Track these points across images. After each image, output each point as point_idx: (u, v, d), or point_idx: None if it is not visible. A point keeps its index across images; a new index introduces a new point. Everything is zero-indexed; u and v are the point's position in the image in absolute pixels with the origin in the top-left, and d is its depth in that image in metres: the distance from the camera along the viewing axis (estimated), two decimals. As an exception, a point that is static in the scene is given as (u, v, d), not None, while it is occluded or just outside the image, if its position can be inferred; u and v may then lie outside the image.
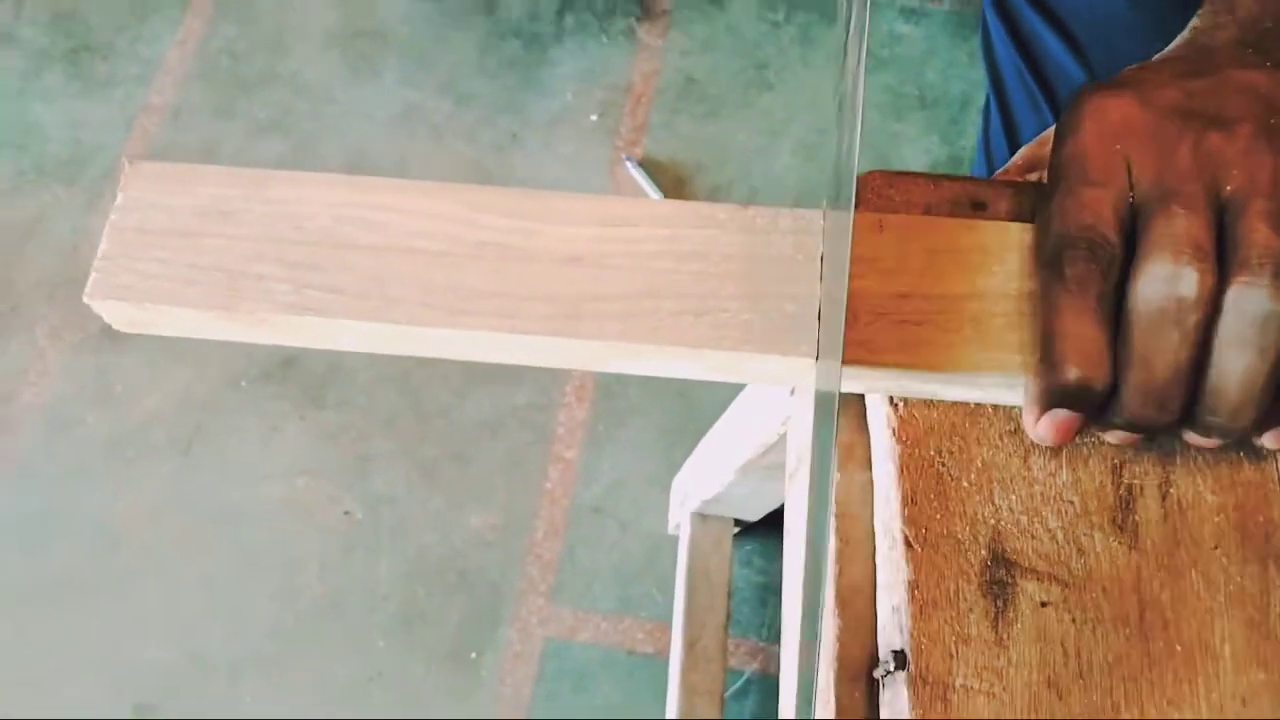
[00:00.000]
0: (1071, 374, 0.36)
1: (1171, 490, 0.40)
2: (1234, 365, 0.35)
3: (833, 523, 0.41)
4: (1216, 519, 0.39)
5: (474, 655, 1.15)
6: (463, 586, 1.18)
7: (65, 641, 1.16)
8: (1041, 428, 0.38)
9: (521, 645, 1.16)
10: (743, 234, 0.41)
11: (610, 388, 1.28)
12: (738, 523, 1.07)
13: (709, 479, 0.85)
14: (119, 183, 0.42)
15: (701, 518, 1.01)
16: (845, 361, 0.39)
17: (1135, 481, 0.40)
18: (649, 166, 1.39)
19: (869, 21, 0.37)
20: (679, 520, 1.07)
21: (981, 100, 1.46)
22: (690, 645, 0.95)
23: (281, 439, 1.25)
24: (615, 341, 0.39)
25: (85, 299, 0.40)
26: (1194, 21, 0.45)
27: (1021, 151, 0.50)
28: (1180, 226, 0.35)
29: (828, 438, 0.35)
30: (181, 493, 1.23)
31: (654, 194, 1.36)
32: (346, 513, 1.21)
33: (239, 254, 0.40)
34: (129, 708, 1.13)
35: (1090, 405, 0.37)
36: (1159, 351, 0.35)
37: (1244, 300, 0.35)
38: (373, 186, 0.42)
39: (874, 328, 0.39)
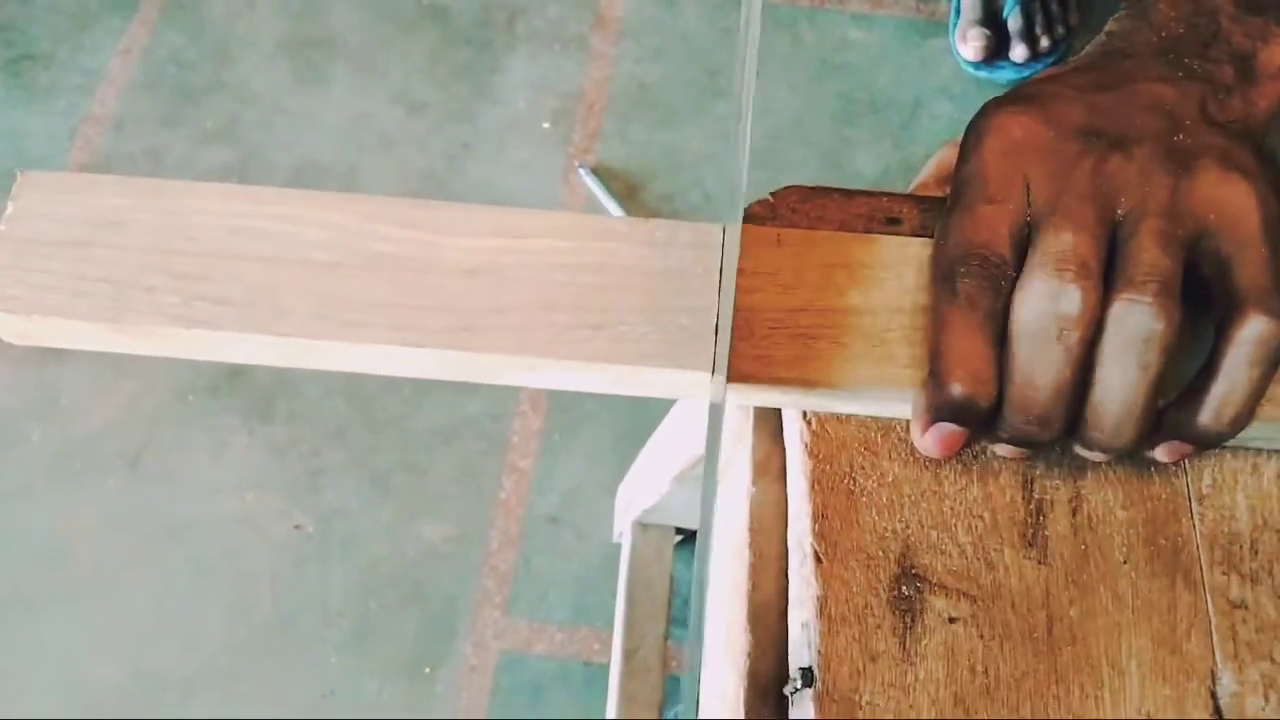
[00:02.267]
0: (955, 390, 0.36)
1: (1082, 505, 0.40)
2: (1114, 382, 0.36)
3: (746, 537, 0.41)
4: (1126, 534, 0.39)
5: (428, 670, 1.15)
6: (416, 599, 1.18)
7: (12, 660, 1.15)
8: (928, 440, 0.38)
9: (477, 659, 1.15)
10: (642, 247, 0.40)
11: (564, 397, 1.27)
12: (680, 531, 1.06)
13: (647, 489, 0.85)
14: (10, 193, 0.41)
15: (643, 527, 1.01)
16: (740, 376, 0.39)
17: (1046, 496, 0.40)
18: (602, 174, 1.39)
19: (760, 34, 0.37)
20: (622, 528, 1.07)
21: (932, 105, 1.47)
22: (630, 655, 0.94)
23: (230, 453, 1.24)
24: (511, 355, 0.38)
25: None
26: (1109, 24, 0.45)
27: (934, 158, 0.50)
28: (1067, 244, 0.35)
29: (714, 450, 0.35)
30: (129, 508, 1.21)
31: (607, 201, 1.36)
32: (297, 526, 1.20)
33: (129, 265, 0.40)
34: (80, 727, 1.12)
35: (975, 420, 0.37)
36: (1040, 368, 0.35)
37: (1126, 317, 0.35)
38: (267, 197, 0.41)
39: (770, 342, 0.39)
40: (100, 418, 1.25)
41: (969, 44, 1.45)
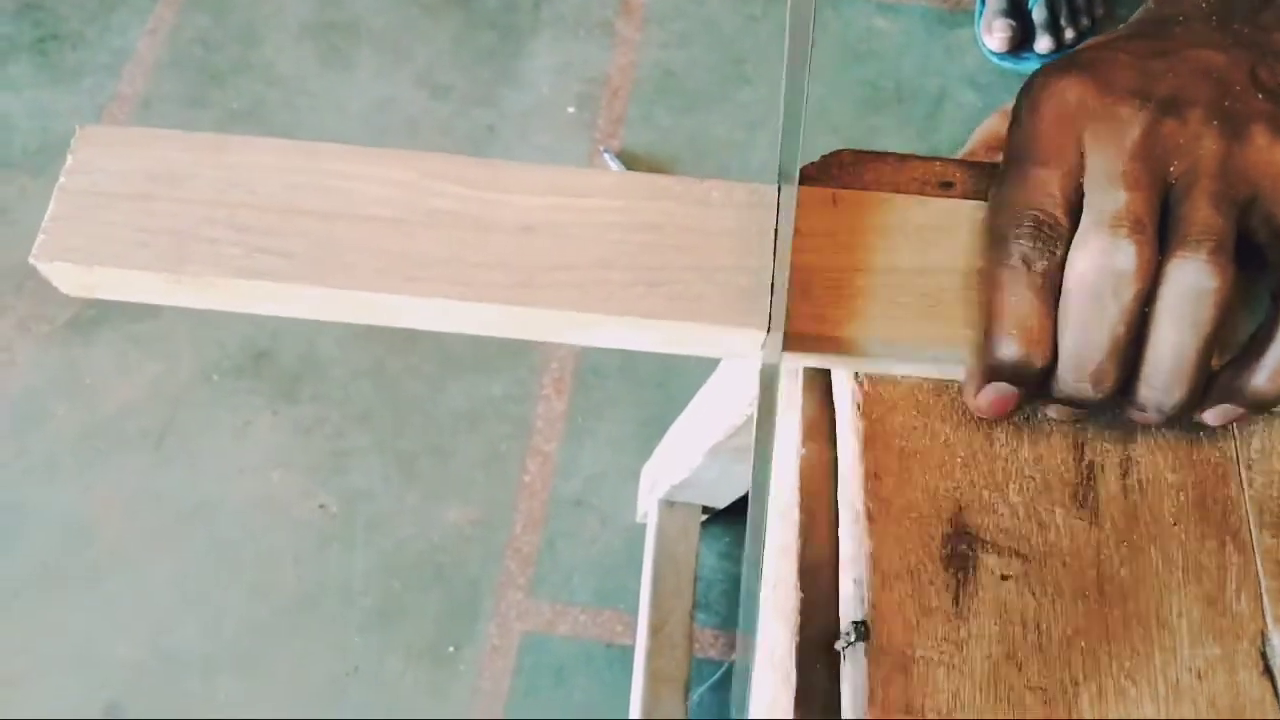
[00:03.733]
0: (1009, 350, 0.37)
1: (1132, 468, 0.40)
2: (1168, 340, 0.36)
3: (795, 498, 0.41)
4: (1176, 496, 0.39)
5: (452, 650, 1.15)
6: (440, 581, 1.18)
7: (36, 638, 1.15)
8: (981, 401, 0.38)
9: (500, 639, 1.15)
10: (697, 207, 0.41)
11: (588, 380, 1.27)
12: (705, 510, 1.07)
13: (678, 464, 0.85)
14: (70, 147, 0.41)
15: (669, 504, 1.01)
16: (797, 334, 0.39)
17: (1096, 459, 0.40)
18: (626, 159, 1.39)
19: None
20: (647, 508, 1.07)
21: (957, 95, 1.46)
22: (655, 631, 0.94)
23: (255, 433, 1.24)
24: (568, 311, 0.39)
25: (31, 260, 0.39)
26: None
27: (983, 127, 0.50)
28: (1121, 202, 0.35)
29: (769, 409, 0.35)
30: (154, 487, 1.22)
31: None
32: (321, 506, 1.20)
33: (190, 217, 0.40)
34: (101, 705, 1.12)
35: (1029, 381, 0.37)
36: (1095, 325, 0.36)
37: (1180, 274, 0.35)
38: (327, 153, 0.41)
39: (825, 301, 0.39)
40: (125, 397, 1.26)
41: (994, 35, 1.45)
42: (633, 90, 1.45)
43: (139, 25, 1.48)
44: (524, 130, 1.42)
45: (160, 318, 1.30)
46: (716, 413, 0.66)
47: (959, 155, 0.57)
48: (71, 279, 0.40)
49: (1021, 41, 1.45)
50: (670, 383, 1.27)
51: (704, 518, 1.06)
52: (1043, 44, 1.43)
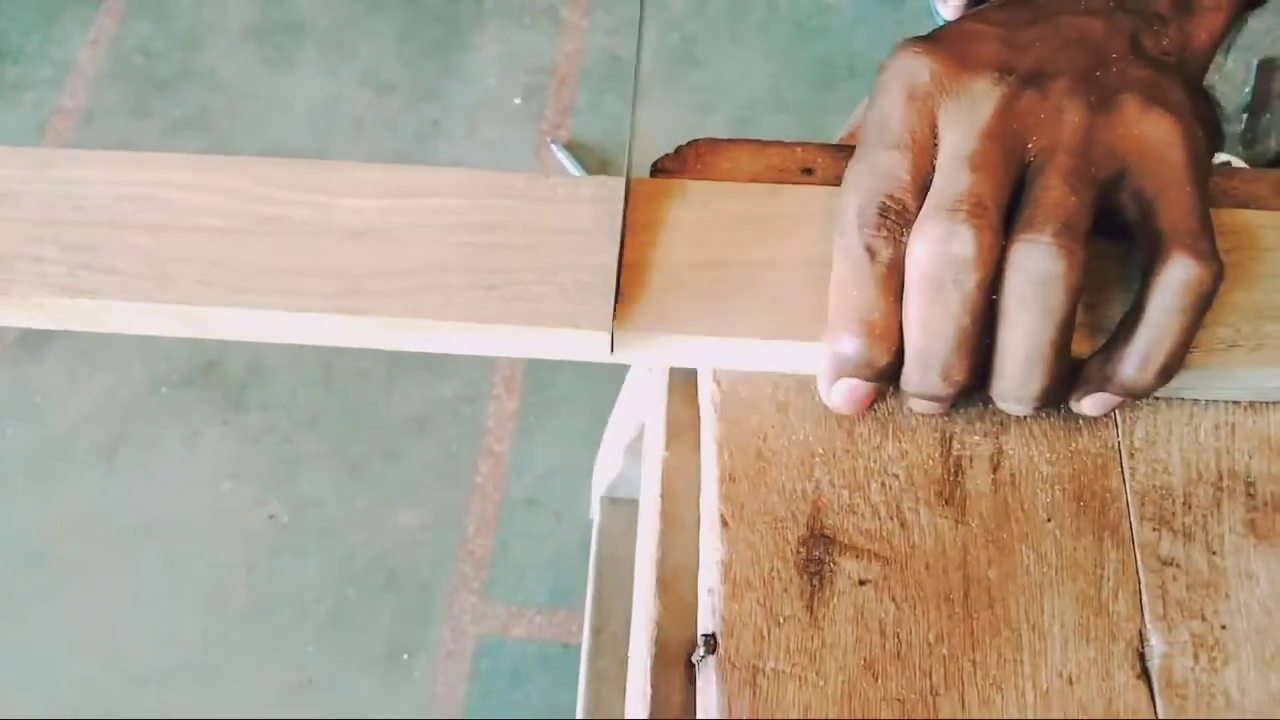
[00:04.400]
0: (852, 346, 0.35)
1: (1004, 461, 0.38)
2: (1017, 329, 0.34)
3: (657, 503, 0.39)
4: (1051, 490, 0.37)
5: (406, 656, 1.14)
6: (393, 587, 1.16)
7: (-9, 659, 1.14)
8: (834, 397, 0.36)
9: (454, 644, 1.14)
10: (542, 203, 0.39)
11: (540, 378, 1.26)
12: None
13: (607, 462, 0.84)
14: None
15: (611, 501, 0.99)
16: (638, 334, 0.37)
17: (965, 453, 0.38)
18: (575, 149, 1.37)
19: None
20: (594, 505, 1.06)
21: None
22: (597, 631, 0.93)
23: (205, 444, 1.23)
24: (400, 318, 0.37)
25: None
26: None
27: (860, 107, 0.48)
28: (963, 184, 0.33)
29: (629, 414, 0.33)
30: (106, 503, 1.20)
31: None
32: (272, 516, 1.19)
33: (15, 236, 0.39)
34: (62, 723, 1.11)
35: (877, 375, 0.35)
36: (937, 317, 0.34)
37: (1023, 259, 0.33)
38: (158, 163, 0.40)
39: (674, 297, 0.38)
40: (75, 413, 1.25)
41: (949, 4, 1.43)
42: (580, 78, 1.43)
43: (80, 35, 1.46)
44: (470, 124, 1.40)
45: (107, 333, 1.28)
46: (626, 411, 0.65)
47: (841, 135, 0.55)
48: None
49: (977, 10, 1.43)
50: (623, 376, 1.25)
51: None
52: (994, 14, 1.41)
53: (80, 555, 1.18)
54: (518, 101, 1.41)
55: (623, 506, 0.98)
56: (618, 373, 1.25)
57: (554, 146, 1.36)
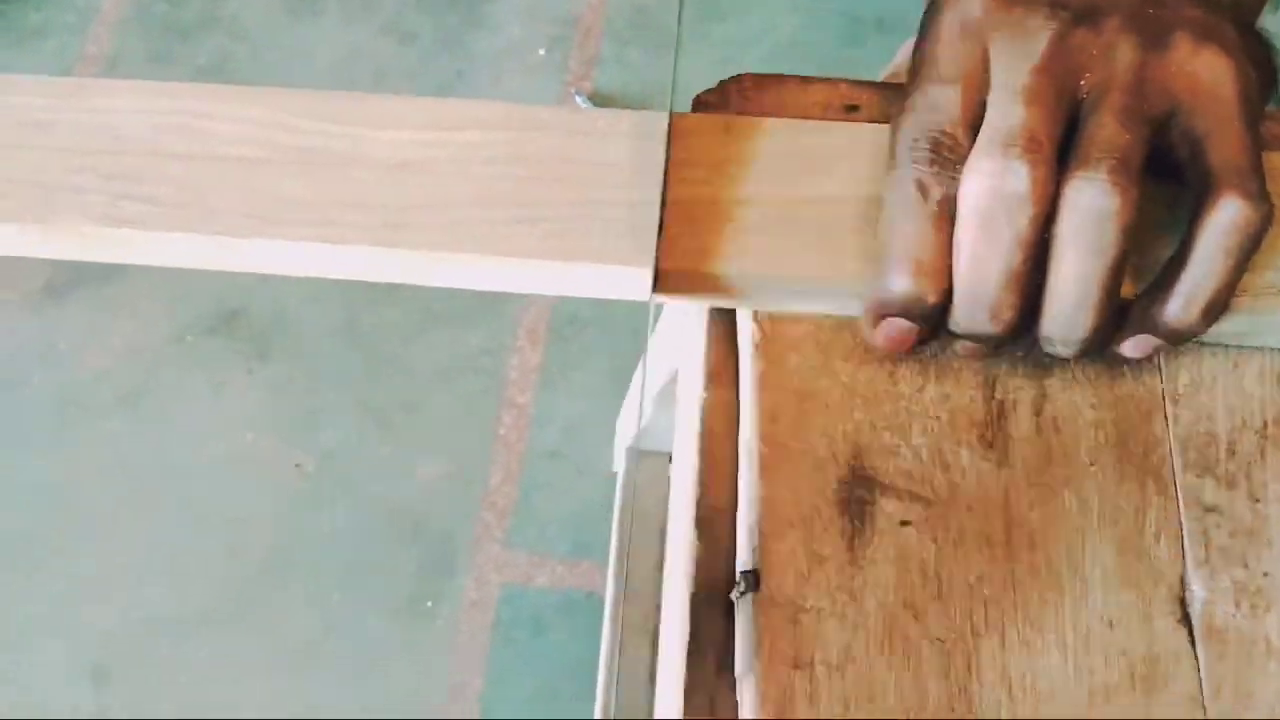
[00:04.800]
0: (901, 284, 0.35)
1: (1047, 405, 0.38)
2: (1069, 267, 0.33)
3: (696, 443, 0.39)
4: (1094, 435, 0.37)
5: (430, 604, 1.14)
6: (417, 536, 1.17)
7: (16, 605, 1.15)
8: (877, 337, 0.36)
9: (477, 593, 1.15)
10: (581, 138, 0.39)
11: (563, 330, 1.26)
12: (675, 459, 1.05)
13: (634, 412, 0.84)
14: None
15: (637, 453, 0.99)
16: (678, 272, 0.37)
17: (1008, 396, 0.38)
18: (599, 100, 1.36)
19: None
20: (619, 457, 1.06)
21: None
22: (621, 580, 0.94)
23: (229, 393, 1.23)
24: (439, 252, 0.37)
25: None
26: None
27: (907, 44, 0.48)
28: (1017, 119, 0.33)
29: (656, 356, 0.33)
30: (129, 451, 1.21)
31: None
32: (297, 466, 1.20)
33: (54, 167, 0.39)
34: (87, 670, 1.12)
35: (924, 316, 0.35)
36: (988, 254, 0.33)
37: (1078, 196, 0.32)
38: (192, 93, 0.40)
39: (714, 235, 0.37)
40: (99, 360, 1.25)
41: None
42: (605, 29, 1.42)
43: (102, -18, 1.45)
44: (494, 74, 1.39)
45: (132, 280, 1.28)
46: (657, 358, 0.64)
47: (884, 74, 0.55)
48: None
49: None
50: (646, 332, 1.25)
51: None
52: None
53: (103, 502, 1.19)
54: (542, 52, 1.40)
55: (648, 458, 0.98)
56: (640, 327, 1.25)
57: (578, 98, 1.36)
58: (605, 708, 0.92)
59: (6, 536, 1.18)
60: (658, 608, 0.95)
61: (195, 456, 1.21)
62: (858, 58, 1.40)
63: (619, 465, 1.06)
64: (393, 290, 1.26)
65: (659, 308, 0.64)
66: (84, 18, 1.43)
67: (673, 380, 0.62)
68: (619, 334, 1.25)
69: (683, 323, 0.47)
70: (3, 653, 1.13)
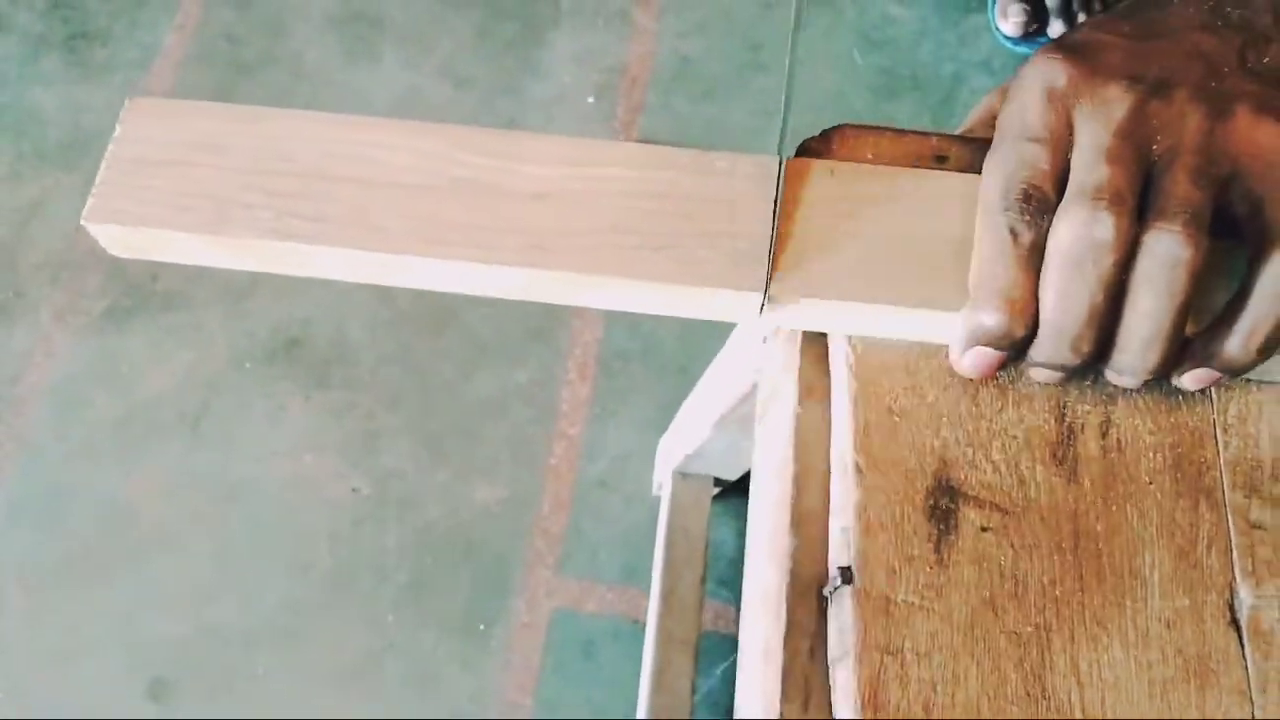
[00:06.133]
0: (994, 319, 0.39)
1: (1111, 429, 0.42)
2: (1144, 307, 0.38)
3: (791, 453, 0.43)
4: (1153, 457, 0.42)
5: (483, 626, 1.18)
6: (470, 559, 1.21)
7: (80, 618, 1.19)
8: (965, 362, 0.41)
9: (529, 616, 1.19)
10: (703, 176, 0.43)
11: (611, 365, 1.30)
12: (718, 483, 1.09)
13: (689, 435, 0.88)
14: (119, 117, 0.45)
15: (682, 475, 1.04)
16: (790, 298, 0.41)
17: (1077, 420, 0.42)
18: (646, 147, 1.41)
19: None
20: (662, 480, 1.10)
21: (972, 80, 1.48)
22: (667, 594, 0.97)
23: (288, 417, 1.28)
24: (578, 273, 0.41)
25: (83, 222, 0.42)
26: None
27: (981, 104, 0.52)
28: (1103, 176, 0.37)
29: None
30: (191, 470, 1.25)
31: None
32: (354, 489, 1.24)
33: (228, 184, 0.43)
34: (145, 681, 1.16)
35: (1012, 346, 0.40)
36: (1074, 293, 0.38)
37: (1156, 245, 0.37)
38: (360, 124, 0.44)
39: (820, 265, 0.42)
40: (160, 384, 1.29)
41: (1009, 20, 1.46)
42: (651, 79, 1.47)
43: (167, 21, 1.51)
44: (545, 119, 1.44)
45: (192, 308, 1.33)
46: (724, 383, 0.69)
47: (957, 132, 0.59)
48: (119, 240, 0.44)
49: (1037, 27, 1.46)
50: (691, 368, 1.30)
51: (716, 490, 1.09)
52: (1056, 29, 1.44)
53: (166, 519, 1.23)
54: (591, 100, 1.46)
55: (693, 481, 1.02)
56: (684, 364, 1.29)
57: (627, 143, 1.40)
58: (647, 711, 0.96)
59: (69, 551, 1.22)
60: (699, 618, 0.99)
61: (255, 476, 1.25)
62: (893, 112, 1.45)
63: (662, 487, 1.10)
64: (446, 323, 1.31)
65: (725, 337, 0.68)
66: (148, 54, 1.49)
67: (739, 403, 0.66)
68: (664, 370, 1.30)
69: (761, 350, 0.51)
70: (65, 664, 1.17)
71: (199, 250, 0.43)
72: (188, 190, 0.43)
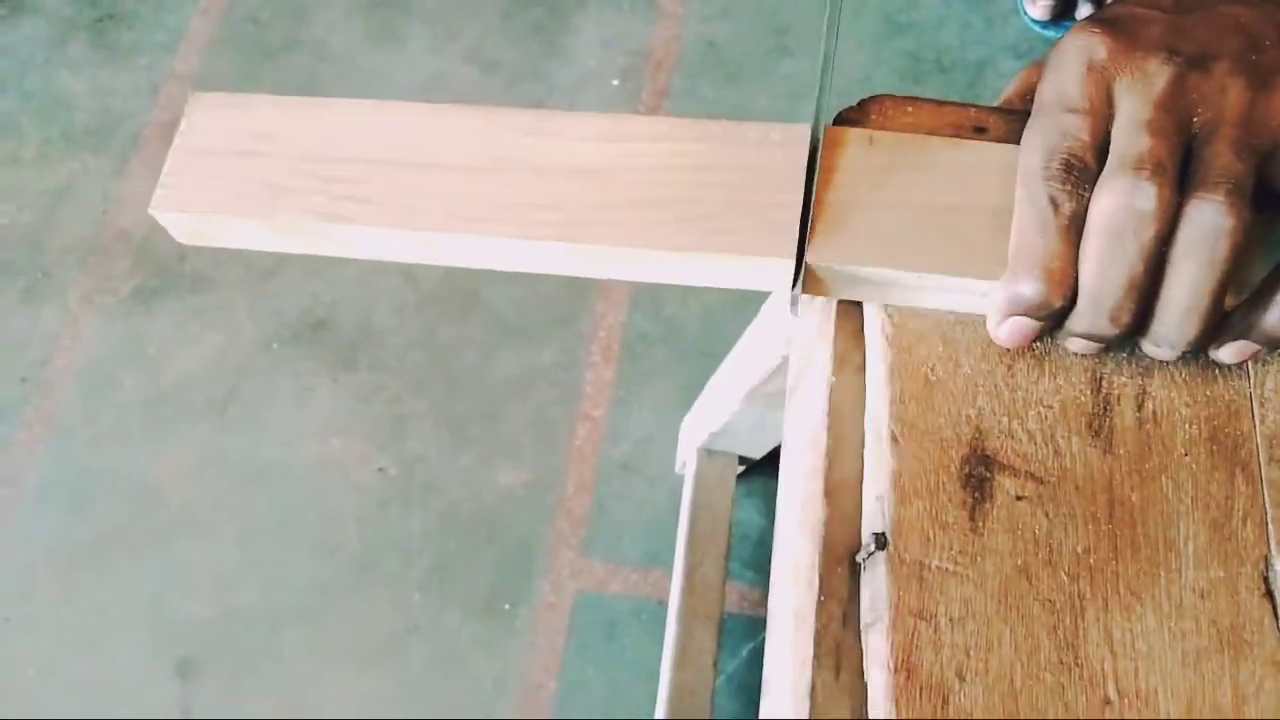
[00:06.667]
0: (1033, 288, 0.39)
1: (1147, 401, 0.42)
2: (1184, 277, 0.38)
3: (825, 423, 0.43)
4: (1188, 429, 0.41)
5: (507, 607, 1.19)
6: (495, 541, 1.22)
7: (109, 599, 1.21)
8: (1002, 332, 0.41)
9: (554, 597, 1.19)
10: (735, 147, 0.44)
11: (635, 348, 1.30)
12: (742, 461, 1.10)
13: (716, 410, 0.88)
14: (183, 111, 0.47)
15: (707, 453, 1.04)
16: (826, 267, 0.41)
17: (1114, 391, 0.42)
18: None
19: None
20: (685, 458, 1.10)
21: (998, 64, 1.47)
22: (691, 571, 0.98)
23: (315, 400, 1.28)
24: (615, 247, 0.42)
25: (150, 210, 0.45)
26: None
27: (1018, 77, 0.52)
28: (1144, 147, 0.37)
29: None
30: (219, 452, 1.26)
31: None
32: (380, 470, 1.24)
33: (284, 171, 0.45)
34: (173, 661, 1.18)
35: (1050, 316, 0.40)
36: (1114, 263, 0.38)
37: (1198, 215, 0.37)
38: (403, 110, 0.46)
39: (857, 234, 0.42)
40: (188, 366, 1.31)
41: (1037, 3, 1.46)
42: (676, 63, 1.47)
43: (191, 4, 1.52)
44: (571, 103, 1.44)
45: (219, 289, 1.34)
46: (754, 356, 0.69)
47: (997, 103, 0.59)
48: (184, 228, 0.46)
49: (1064, 10, 1.45)
50: (714, 350, 1.30)
51: (741, 469, 1.09)
52: (1084, 11, 1.44)
53: (193, 500, 1.24)
54: (616, 83, 1.46)
55: (717, 458, 1.02)
56: (708, 347, 1.29)
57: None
58: (670, 686, 0.96)
59: (98, 533, 1.23)
60: (722, 595, 0.99)
61: (283, 459, 1.26)
62: (918, 94, 1.45)
63: (686, 465, 1.10)
64: (471, 306, 1.31)
65: (748, 321, 0.68)
66: (173, 37, 1.50)
67: (769, 378, 0.67)
68: (687, 352, 1.30)
69: (793, 321, 0.51)
70: (94, 644, 1.18)
71: (258, 234, 0.45)
72: (247, 178, 0.45)
